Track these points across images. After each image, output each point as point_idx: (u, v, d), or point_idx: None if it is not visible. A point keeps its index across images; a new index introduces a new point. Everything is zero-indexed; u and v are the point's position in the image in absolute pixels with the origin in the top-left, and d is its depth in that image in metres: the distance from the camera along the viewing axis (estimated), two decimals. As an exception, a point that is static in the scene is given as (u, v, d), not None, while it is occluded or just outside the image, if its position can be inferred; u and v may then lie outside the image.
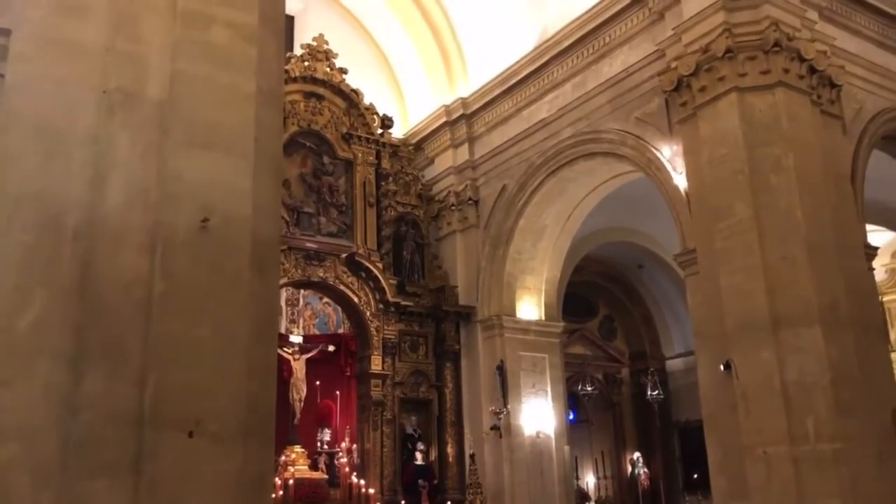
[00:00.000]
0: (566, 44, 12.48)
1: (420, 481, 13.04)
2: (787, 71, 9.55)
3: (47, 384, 3.93)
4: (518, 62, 13.38)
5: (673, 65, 10.29)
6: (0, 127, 4.39)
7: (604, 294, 19.23)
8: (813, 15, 10.45)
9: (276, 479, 11.32)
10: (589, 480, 18.31)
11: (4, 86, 4.53)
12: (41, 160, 4.31)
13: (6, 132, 4.36)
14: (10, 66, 4.52)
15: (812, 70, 9.92)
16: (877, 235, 14.28)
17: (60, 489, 3.81)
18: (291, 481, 11.58)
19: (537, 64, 13.06)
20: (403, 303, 13.60)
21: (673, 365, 18.56)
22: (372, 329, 13.39)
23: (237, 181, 4.77)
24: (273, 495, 10.80)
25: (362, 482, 12.17)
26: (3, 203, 4.19)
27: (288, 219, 12.80)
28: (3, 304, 4.01)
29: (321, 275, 13.08)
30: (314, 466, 12.74)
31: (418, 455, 13.32)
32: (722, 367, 9.12)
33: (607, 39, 11.89)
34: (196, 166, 4.62)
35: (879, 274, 16.52)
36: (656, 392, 17.67)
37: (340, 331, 15.05)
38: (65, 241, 4.18)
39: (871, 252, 10.43)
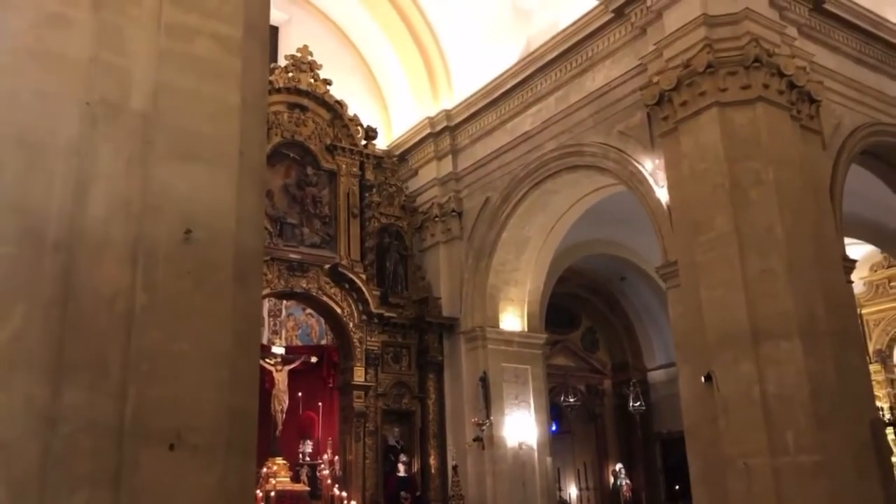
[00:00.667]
0: (550, 57, 12.58)
1: (402, 493, 13.00)
2: (766, 86, 9.68)
3: (26, 396, 3.90)
4: (502, 75, 13.47)
5: (655, 79, 10.40)
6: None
7: (586, 306, 19.32)
8: (792, 31, 10.60)
9: (258, 491, 11.27)
10: (571, 492, 18.32)
11: (-14, 96, 4.53)
12: (22, 171, 4.28)
13: (-13, 143, 4.35)
14: (-8, 77, 4.51)
15: (792, 85, 10.06)
16: (855, 248, 14.45)
17: (39, 502, 3.79)
18: (273, 493, 11.54)
19: (521, 77, 13.15)
20: (387, 314, 13.59)
21: (655, 376, 18.66)
22: (355, 340, 13.37)
23: (221, 193, 4.77)
24: (254, 508, 10.74)
25: (344, 494, 12.13)
26: (-17, 214, 4.17)
27: (271, 229, 12.77)
28: (-18, 316, 3.99)
29: (304, 286, 13.05)
30: (296, 478, 12.70)
31: (401, 467, 13.29)
32: (703, 379, 9.19)
33: (590, 53, 12.00)
34: (179, 178, 4.62)
35: (858, 286, 16.75)
36: (638, 403, 17.72)
37: (323, 342, 15.04)
38: (45, 253, 4.16)
39: (850, 265, 10.56)
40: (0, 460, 3.82)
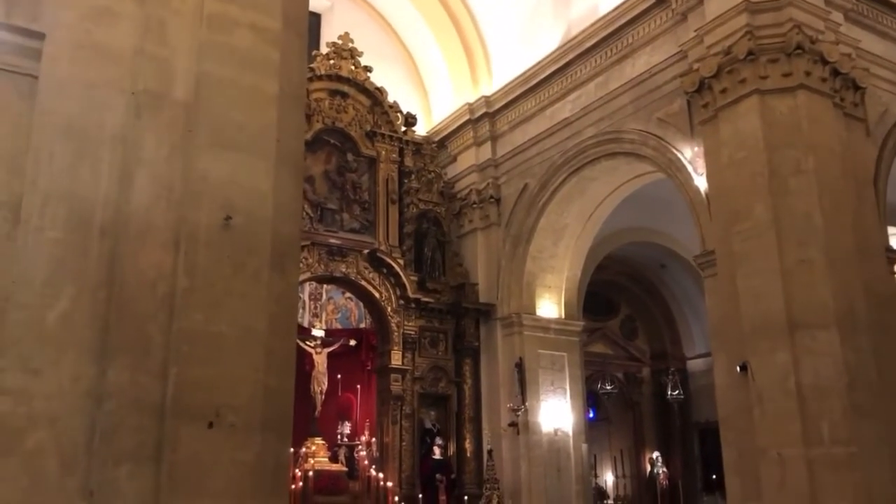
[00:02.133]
0: (590, 43, 12.52)
1: (438, 475, 13.18)
2: (808, 74, 9.53)
3: (74, 375, 4.13)
4: (542, 61, 13.44)
5: (695, 66, 10.31)
6: (32, 127, 4.60)
7: (626, 293, 19.24)
8: (838, 17, 10.40)
9: (297, 470, 11.54)
10: (608, 479, 18.37)
11: (37, 87, 4.74)
12: (70, 159, 4.51)
13: (38, 132, 4.57)
14: (42, 68, 4.72)
15: (835, 72, 9.88)
16: (902, 238, 14.12)
17: (86, 474, 4.01)
18: (311, 473, 11.80)
19: (561, 63, 13.11)
20: (424, 299, 13.74)
21: (694, 365, 18.52)
22: (392, 324, 13.55)
23: (259, 181, 4.96)
24: (293, 486, 11.03)
25: (381, 475, 12.35)
26: (33, 200, 4.39)
27: (312, 214, 12.99)
28: (33, 298, 4.23)
29: (343, 270, 13.25)
30: (334, 459, 12.95)
31: (436, 450, 13.46)
32: (738, 369, 9.15)
33: (630, 40, 11.92)
34: (219, 166, 4.81)
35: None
36: (676, 392, 17.70)
37: (362, 325, 15.24)
38: (92, 238, 4.38)
39: (893, 255, 10.37)
40: (51, 434, 4.07)
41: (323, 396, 13.16)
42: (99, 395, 4.16)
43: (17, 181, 4.59)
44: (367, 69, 14.14)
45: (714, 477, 16.16)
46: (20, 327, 4.19)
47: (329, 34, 14.59)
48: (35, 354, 4.13)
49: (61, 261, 4.33)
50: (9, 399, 4.04)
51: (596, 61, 12.58)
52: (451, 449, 13.72)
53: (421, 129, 15.17)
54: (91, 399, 4.15)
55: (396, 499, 12.19)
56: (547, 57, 13.34)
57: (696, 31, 10.46)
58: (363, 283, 13.44)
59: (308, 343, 13.11)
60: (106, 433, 4.12)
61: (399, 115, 14.40)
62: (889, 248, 10.32)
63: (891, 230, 11.22)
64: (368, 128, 14.00)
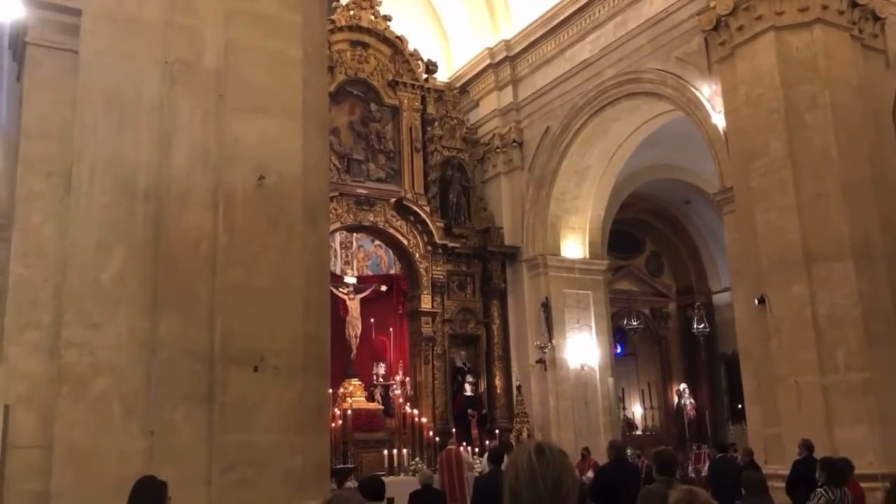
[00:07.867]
0: (608, -18, 12.52)
1: (469, 411, 13.72)
2: (825, 7, 9.52)
3: (129, 328, 4.58)
4: (561, 2, 13.44)
5: (712, 4, 10.33)
6: (76, 99, 4.97)
7: (651, 230, 19.40)
8: (858, -55, 10.31)
9: (336, 409, 12.12)
10: (636, 410, 18.85)
11: (78, 62, 5.09)
12: (113, 128, 4.88)
13: (81, 104, 4.93)
14: (81, 43, 5.07)
15: (853, 4, 9.85)
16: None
17: (146, 416, 4.49)
18: (349, 411, 12.39)
19: (580, 3, 13.12)
20: (451, 244, 14.09)
21: (720, 299, 18.74)
22: (421, 270, 13.94)
23: (288, 141, 5.31)
24: (332, 424, 11.61)
25: (415, 412, 12.92)
26: (83, 168, 4.79)
27: (339, 166, 13.29)
28: (88, 259, 4.66)
29: (371, 219, 13.61)
30: (370, 398, 13.53)
31: (468, 387, 13.98)
32: (756, 302, 9.42)
33: (648, -22, 11.91)
34: (251, 129, 5.17)
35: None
36: (702, 325, 17.98)
37: (392, 271, 15.65)
38: (137, 202, 4.78)
39: (911, 185, 10.46)
40: (113, 381, 4.54)
41: (357, 340, 13.67)
42: (153, 346, 4.60)
43: (67, 151, 4.98)
44: (387, 18, 14.23)
45: (740, 406, 16.53)
46: (79, 286, 4.63)
47: (348, -16, 14.63)
48: (94, 310, 4.57)
49: (111, 224, 4.73)
50: (74, 350, 4.50)
51: (614, 1, 12.59)
52: (482, 386, 14.24)
53: (442, 76, 15.28)
54: (147, 349, 4.59)
55: (431, 433, 12.78)
56: (565, -3, 13.35)
57: (712, -33, 10.44)
58: (391, 230, 13.80)
59: (341, 290, 13.56)
60: (162, 379, 4.57)
61: (420, 62, 14.53)
62: (907, 179, 10.42)
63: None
64: (390, 77, 14.17)
